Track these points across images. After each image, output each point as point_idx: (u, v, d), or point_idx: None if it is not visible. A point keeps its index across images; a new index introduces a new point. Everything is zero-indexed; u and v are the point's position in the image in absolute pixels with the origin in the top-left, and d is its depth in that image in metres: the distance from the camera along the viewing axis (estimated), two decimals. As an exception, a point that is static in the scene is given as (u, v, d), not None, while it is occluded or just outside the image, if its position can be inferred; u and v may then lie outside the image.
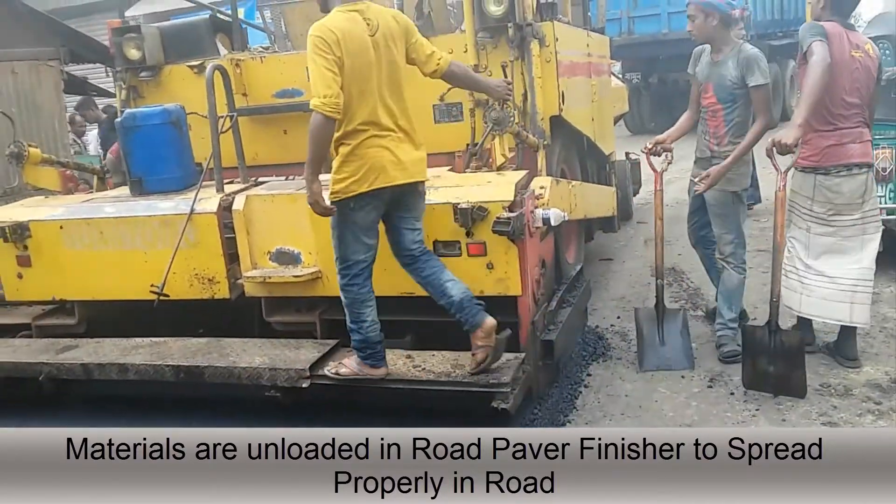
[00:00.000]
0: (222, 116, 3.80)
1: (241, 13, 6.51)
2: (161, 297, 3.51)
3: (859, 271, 3.55)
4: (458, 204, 3.15)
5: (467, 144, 3.94)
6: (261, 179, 3.99)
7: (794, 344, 3.44)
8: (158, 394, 3.64)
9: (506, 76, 3.75)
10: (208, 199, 3.59)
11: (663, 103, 12.76)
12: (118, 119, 3.94)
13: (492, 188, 3.27)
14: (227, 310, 3.76)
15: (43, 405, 3.64)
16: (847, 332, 3.73)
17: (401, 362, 3.28)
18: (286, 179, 4.00)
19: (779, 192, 3.47)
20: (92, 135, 8.79)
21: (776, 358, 3.43)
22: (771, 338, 3.45)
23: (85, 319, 3.91)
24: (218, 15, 5.09)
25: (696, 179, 3.86)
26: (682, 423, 3.32)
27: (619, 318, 4.64)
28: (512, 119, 3.49)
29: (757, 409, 3.37)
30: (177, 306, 3.70)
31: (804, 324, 3.84)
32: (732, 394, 3.54)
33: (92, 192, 4.29)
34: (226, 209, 3.56)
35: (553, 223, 3.33)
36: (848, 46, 3.46)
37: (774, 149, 3.35)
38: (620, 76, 12.98)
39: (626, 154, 6.31)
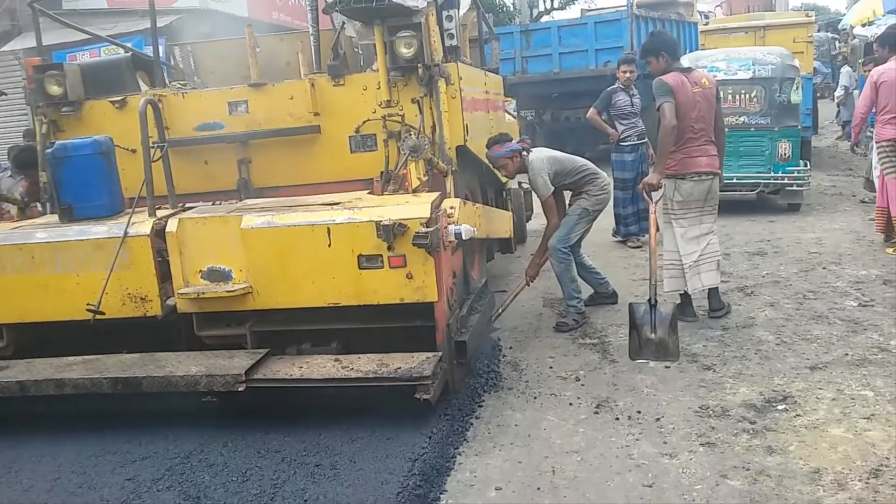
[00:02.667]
0: (153, 146, 4.08)
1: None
2: (97, 316, 3.73)
3: (704, 249, 4.86)
4: (381, 221, 3.59)
5: (381, 171, 4.41)
6: (189, 205, 4.28)
7: (668, 314, 4.42)
8: (92, 411, 3.84)
9: (420, 111, 4.26)
10: (141, 223, 3.87)
11: (556, 138, 13.70)
12: (48, 150, 4.14)
13: (410, 207, 3.73)
14: (155, 328, 4.01)
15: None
16: (712, 294, 5.01)
17: (330, 365, 3.66)
18: (213, 204, 4.31)
19: (652, 214, 4.79)
20: None
21: (655, 328, 4.37)
22: (651, 312, 4.42)
23: (13, 342, 4.06)
24: (138, 53, 5.35)
25: None
26: (570, 450, 3.43)
27: (510, 348, 4.79)
28: (426, 147, 3.99)
29: (640, 433, 3.53)
30: (103, 328, 3.92)
31: (685, 303, 4.96)
32: (617, 419, 3.71)
33: (16, 221, 4.43)
34: (158, 232, 3.85)
35: (464, 237, 3.84)
36: (690, 88, 4.72)
37: (645, 188, 4.81)
38: (516, 113, 13.90)
39: (520, 183, 6.96)
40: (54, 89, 4.65)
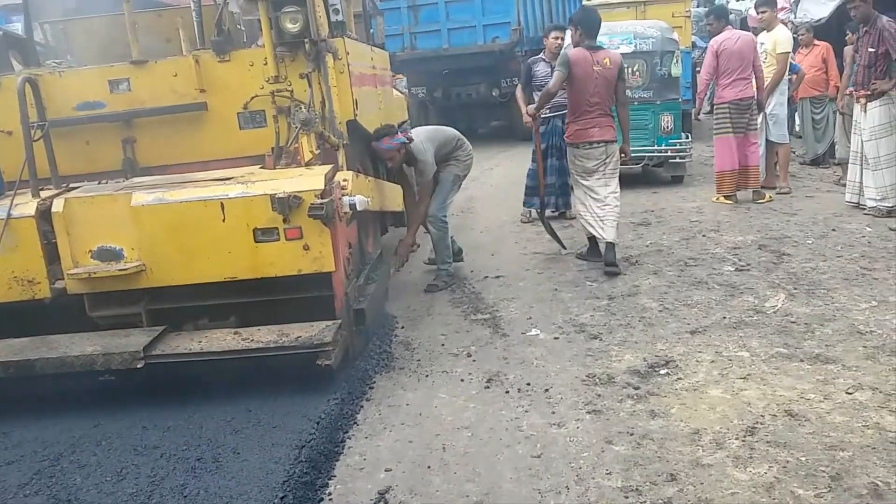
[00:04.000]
0: (33, 126, 4.13)
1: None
2: (-18, 300, 3.79)
3: (606, 207, 5.73)
4: (276, 194, 3.83)
5: (272, 147, 4.63)
6: (73, 185, 4.35)
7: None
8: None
9: (310, 85, 4.50)
10: (25, 204, 3.95)
11: (447, 115, 14.04)
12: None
13: (304, 179, 3.99)
14: (44, 312, 4.09)
15: None
16: (608, 246, 5.75)
17: (230, 338, 3.90)
18: (99, 184, 4.41)
19: (536, 142, 6.57)
20: None
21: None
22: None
23: None
24: (10, 32, 5.28)
25: None
26: (460, 426, 3.57)
27: (403, 327, 4.99)
28: (317, 121, 4.24)
29: (530, 405, 3.74)
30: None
31: (593, 247, 6.04)
32: (508, 392, 3.90)
33: None
34: (44, 212, 3.93)
35: (358, 208, 4.14)
36: (590, 65, 5.57)
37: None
38: (407, 90, 14.16)
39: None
40: (-80, 70, 4.57)
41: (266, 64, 4.65)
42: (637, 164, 8.99)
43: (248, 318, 4.13)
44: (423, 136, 5.67)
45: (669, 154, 8.95)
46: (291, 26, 4.51)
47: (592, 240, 6.04)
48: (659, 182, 9.38)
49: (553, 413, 3.63)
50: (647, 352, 4.26)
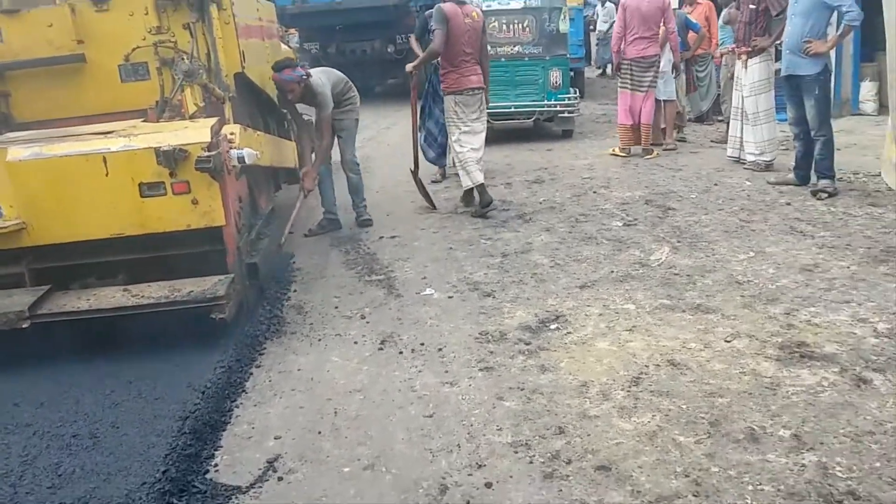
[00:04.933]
0: None
1: None
2: None
3: (479, 152, 6.38)
4: (160, 147, 3.90)
5: (156, 100, 4.67)
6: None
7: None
8: None
9: (192, 35, 4.55)
10: None
11: (342, 72, 13.96)
12: None
13: (190, 132, 4.07)
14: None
15: None
16: (482, 189, 6.40)
17: (119, 295, 3.98)
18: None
19: (412, 99, 6.79)
20: None
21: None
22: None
23: None
24: None
25: None
26: (353, 390, 3.61)
27: (295, 291, 5.01)
28: (201, 72, 4.32)
29: (423, 364, 3.81)
30: None
31: (469, 194, 6.56)
32: (401, 353, 3.97)
33: None
34: (-88, 168, 3.87)
35: (247, 161, 4.25)
36: (462, 18, 6.08)
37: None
38: (298, 45, 14.02)
39: (302, 114, 7.37)
40: None
41: (147, 14, 4.66)
42: (528, 118, 9.46)
43: (137, 276, 4.20)
44: (320, 72, 6.03)
45: (558, 109, 9.42)
46: (174, -27, 4.54)
47: (469, 191, 6.55)
48: (552, 138, 9.82)
49: (446, 372, 3.71)
50: (539, 308, 4.40)
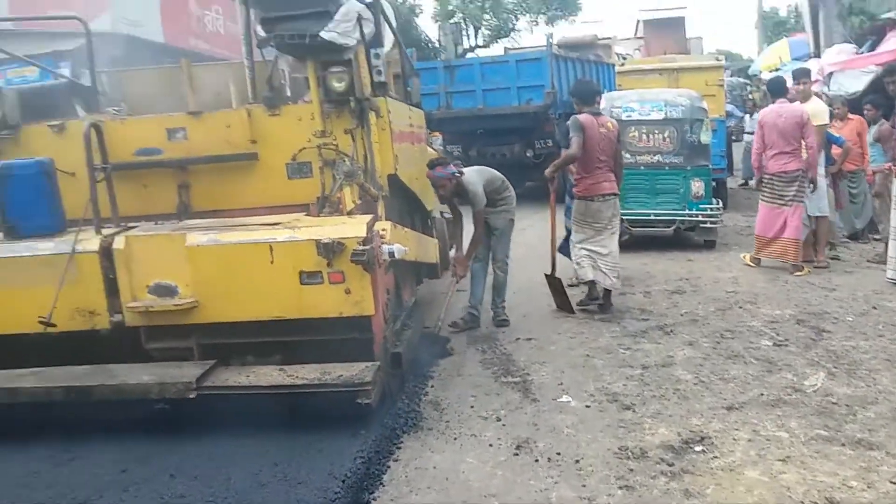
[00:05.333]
0: (97, 168, 4.70)
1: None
2: (48, 328, 4.28)
3: (609, 259, 6.67)
4: (321, 239, 4.30)
5: (317, 196, 5.15)
6: (130, 224, 4.88)
7: (558, 283, 6.90)
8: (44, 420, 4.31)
9: (353, 140, 5.05)
10: (89, 240, 4.47)
11: (483, 176, 14.66)
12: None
13: (347, 227, 4.47)
14: (102, 343, 4.55)
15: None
16: (606, 293, 6.79)
17: (276, 374, 4.33)
18: (156, 224, 4.94)
19: (552, 198, 6.97)
20: None
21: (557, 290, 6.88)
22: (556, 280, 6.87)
23: (-43, 357, 4.53)
24: (76, 81, 5.95)
25: None
26: (488, 494, 3.64)
27: (432, 386, 5.13)
28: (359, 173, 4.77)
29: (559, 476, 3.77)
30: (52, 343, 4.47)
31: (591, 287, 6.92)
32: (537, 461, 3.95)
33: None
34: (105, 249, 4.45)
35: (396, 256, 4.59)
36: (597, 128, 6.60)
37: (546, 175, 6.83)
38: (442, 148, 14.87)
39: (441, 213, 7.77)
40: (-8, 114, 5.21)
41: (313, 119, 5.22)
42: (668, 227, 9.53)
43: (290, 358, 4.55)
44: (473, 171, 6.56)
45: (700, 219, 9.43)
46: (338, 85, 5.09)
47: (591, 284, 6.97)
48: (693, 248, 9.71)
49: (584, 486, 3.66)
50: (682, 426, 4.28)
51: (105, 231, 4.62)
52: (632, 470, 3.79)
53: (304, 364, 4.41)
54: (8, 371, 4.37)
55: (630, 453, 3.98)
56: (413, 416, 4.57)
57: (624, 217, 9.02)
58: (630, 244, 9.54)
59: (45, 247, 4.49)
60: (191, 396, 4.12)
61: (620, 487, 3.62)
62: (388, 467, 3.96)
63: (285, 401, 4.30)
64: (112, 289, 4.46)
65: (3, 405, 4.24)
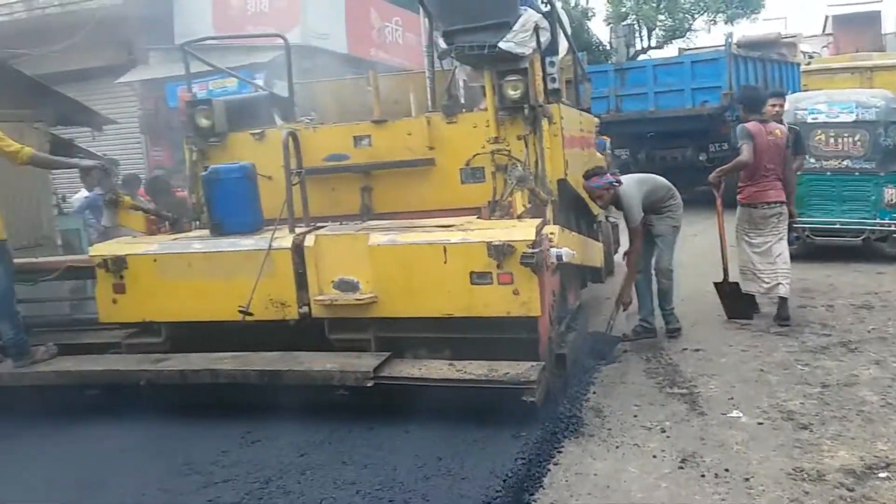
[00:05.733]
0: (293, 172, 5.19)
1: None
2: (246, 317, 4.78)
3: (776, 265, 6.60)
4: (492, 242, 4.52)
5: (489, 200, 5.39)
6: (319, 224, 5.33)
7: (736, 289, 6.76)
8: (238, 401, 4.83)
9: (526, 146, 5.25)
10: (283, 238, 4.95)
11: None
12: (203, 173, 5.34)
13: (517, 230, 4.66)
14: (288, 332, 5.01)
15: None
16: (782, 302, 6.58)
17: (445, 368, 4.58)
18: (341, 224, 5.37)
19: (718, 208, 6.90)
20: (76, 197, 10.15)
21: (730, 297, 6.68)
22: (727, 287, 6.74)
23: (169, 339, 5.19)
24: (275, 92, 6.58)
25: None
26: None
27: (594, 393, 5.10)
28: (531, 178, 4.96)
29: (727, 493, 3.63)
30: (244, 330, 4.98)
31: (752, 302, 6.82)
32: (703, 476, 3.84)
33: (170, 233, 5.60)
34: (297, 246, 4.90)
35: (564, 260, 4.73)
36: (765, 135, 6.54)
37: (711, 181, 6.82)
38: (609, 151, 14.79)
39: (607, 217, 7.78)
40: (203, 122, 5.87)
41: (488, 126, 5.47)
42: (856, 237, 8.99)
43: (458, 354, 4.80)
44: (634, 182, 6.33)
45: (894, 228, 8.83)
46: (513, 93, 5.30)
47: (751, 297, 6.85)
48: (885, 260, 9.08)
49: None
50: (865, 450, 4.05)
51: (297, 230, 5.07)
52: (807, 493, 3.63)
53: (472, 360, 4.63)
54: (209, 354, 4.92)
55: (806, 475, 3.81)
56: (574, 422, 4.58)
57: (806, 225, 8.73)
58: (813, 254, 9.17)
59: (246, 243, 5.01)
60: (368, 385, 4.45)
61: None
62: (549, 470, 3.99)
63: (453, 395, 4.50)
64: (301, 283, 4.90)
65: (205, 385, 4.76)
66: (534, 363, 4.51)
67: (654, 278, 6.44)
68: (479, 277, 4.60)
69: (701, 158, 14.18)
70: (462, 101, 6.41)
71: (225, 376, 4.67)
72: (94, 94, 12.55)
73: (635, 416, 4.68)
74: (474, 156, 5.50)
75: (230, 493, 3.84)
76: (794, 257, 8.81)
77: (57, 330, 5.79)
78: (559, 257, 4.70)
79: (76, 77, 12.36)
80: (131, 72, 13.16)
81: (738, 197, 6.77)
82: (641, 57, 23.35)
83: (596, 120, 7.68)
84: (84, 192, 9.84)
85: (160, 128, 13.91)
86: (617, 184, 6.08)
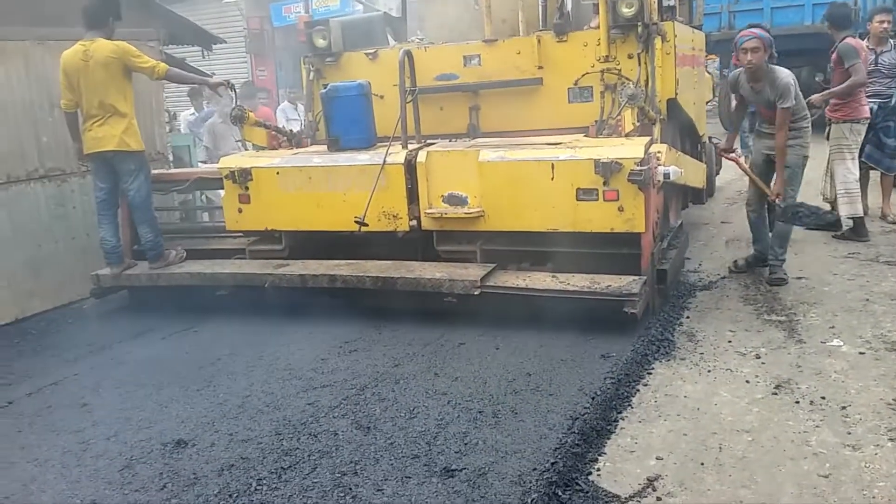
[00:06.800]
0: (407, 91, 5.47)
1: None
2: (362, 228, 5.17)
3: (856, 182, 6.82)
4: (600, 159, 4.71)
5: (596, 119, 5.55)
6: (429, 141, 5.63)
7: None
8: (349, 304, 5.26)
9: (640, 63, 5.36)
10: (396, 154, 5.26)
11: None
12: (323, 91, 5.68)
13: (625, 148, 4.83)
14: (398, 243, 5.39)
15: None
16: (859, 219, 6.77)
17: (549, 279, 4.88)
18: (450, 141, 5.66)
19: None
20: (182, 115, 10.76)
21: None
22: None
23: (288, 246, 5.66)
24: (387, 13, 6.84)
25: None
26: (741, 429, 3.56)
27: (688, 317, 5.12)
28: (642, 96, 5.08)
29: (822, 420, 3.61)
30: (357, 239, 5.39)
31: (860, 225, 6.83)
32: (798, 402, 3.81)
33: (292, 149, 6.01)
34: (410, 161, 5.22)
35: (672, 178, 4.86)
36: (864, 52, 6.59)
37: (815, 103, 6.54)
38: (718, 71, 14.41)
39: (709, 138, 7.70)
40: (320, 42, 6.20)
41: (599, 44, 5.57)
42: None
43: (562, 267, 5.06)
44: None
45: None
46: (627, 10, 5.38)
47: (859, 220, 6.83)
48: None
49: (849, 434, 3.49)
50: None
51: (410, 146, 5.38)
52: None
53: (575, 273, 4.90)
54: (326, 261, 5.37)
55: None
56: (666, 345, 4.63)
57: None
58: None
59: (362, 158, 5.36)
60: (475, 293, 4.79)
61: (891, 440, 3.42)
62: (638, 391, 4.05)
63: (556, 305, 4.78)
64: (413, 196, 5.23)
65: (324, 288, 5.22)
66: (635, 277, 4.74)
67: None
68: (584, 194, 4.81)
69: (817, 79, 13.62)
70: (571, 19, 6.51)
71: (342, 281, 5.10)
72: (203, 14, 13.11)
73: (729, 341, 4.69)
74: (583, 75, 5.65)
75: (328, 398, 4.10)
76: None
77: (185, 236, 6.38)
78: (667, 175, 4.82)
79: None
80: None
81: (837, 115, 6.81)
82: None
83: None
84: (192, 111, 10.48)
85: (265, 47, 14.44)
86: (775, 57, 5.65)
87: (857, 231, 6.82)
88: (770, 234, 5.99)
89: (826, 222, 6.43)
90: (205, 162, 8.61)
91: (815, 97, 6.63)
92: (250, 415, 3.98)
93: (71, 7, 5.76)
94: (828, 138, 7.03)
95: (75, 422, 4.09)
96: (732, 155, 6.24)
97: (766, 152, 5.85)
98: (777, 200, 5.67)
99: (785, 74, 5.54)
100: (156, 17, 10.00)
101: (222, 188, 5.75)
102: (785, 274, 5.75)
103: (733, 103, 6.19)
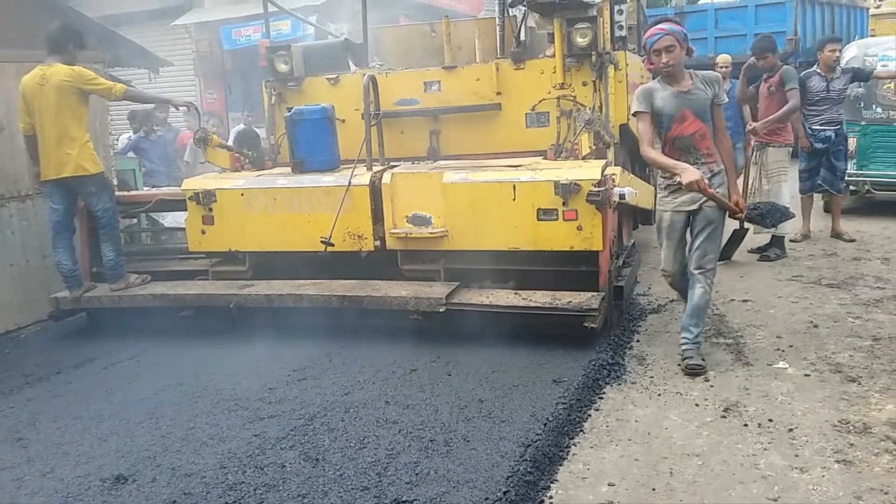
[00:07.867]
0: (372, 114, 5.74)
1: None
2: (328, 248, 5.39)
3: None
4: (559, 181, 5.01)
5: (552, 143, 5.89)
6: (392, 163, 5.89)
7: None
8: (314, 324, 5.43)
9: (594, 90, 5.73)
10: (361, 175, 5.51)
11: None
12: (287, 114, 5.92)
13: (583, 170, 5.16)
14: (362, 262, 5.61)
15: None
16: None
17: (512, 296, 5.15)
18: (412, 164, 5.93)
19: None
20: (122, 138, 10.79)
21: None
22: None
23: (252, 267, 5.85)
24: (347, 38, 7.12)
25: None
26: (691, 453, 3.63)
27: (638, 341, 5.24)
28: (598, 121, 5.45)
29: (769, 443, 3.68)
30: (322, 259, 5.59)
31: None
32: (746, 425, 3.88)
33: (253, 171, 6.22)
34: (374, 183, 5.47)
35: (626, 198, 5.20)
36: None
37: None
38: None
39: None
40: (282, 67, 6.46)
41: (555, 72, 5.94)
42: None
43: (522, 285, 5.34)
44: None
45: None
46: (581, 40, 5.77)
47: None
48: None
49: (796, 456, 3.58)
50: None
51: (374, 168, 5.63)
52: (852, 445, 3.66)
53: (536, 290, 5.18)
54: (292, 281, 5.57)
55: (851, 427, 3.83)
56: (617, 369, 4.71)
57: (867, 178, 9.05)
58: (872, 208, 9.39)
59: (327, 180, 5.60)
60: (440, 310, 5.04)
61: (837, 461, 3.51)
62: (590, 416, 4.11)
63: (518, 322, 5.05)
64: (377, 217, 5.47)
65: (287, 308, 5.38)
66: (594, 293, 5.04)
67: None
68: (545, 214, 5.11)
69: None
70: (528, 47, 6.87)
71: (308, 300, 5.29)
72: (151, 37, 13.21)
73: (678, 364, 4.76)
74: (540, 101, 6.00)
75: (275, 429, 4.05)
76: (853, 211, 9.28)
77: (146, 258, 6.51)
78: (622, 196, 5.15)
79: (133, 19, 13.03)
80: (186, 14, 13.78)
81: (778, 138, 7.40)
82: (703, 0, 23.21)
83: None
84: (130, 133, 10.51)
85: (214, 70, 14.57)
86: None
87: (780, 246, 7.50)
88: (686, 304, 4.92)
89: (787, 217, 6.96)
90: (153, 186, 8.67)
91: (757, 125, 7.18)
92: (194, 448, 3.91)
93: (33, 31, 5.89)
94: (755, 162, 7.63)
95: (9, 457, 3.98)
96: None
97: (686, 209, 4.65)
98: (741, 213, 4.84)
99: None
100: (100, 40, 10.12)
101: (185, 210, 5.91)
102: (703, 360, 4.72)
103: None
